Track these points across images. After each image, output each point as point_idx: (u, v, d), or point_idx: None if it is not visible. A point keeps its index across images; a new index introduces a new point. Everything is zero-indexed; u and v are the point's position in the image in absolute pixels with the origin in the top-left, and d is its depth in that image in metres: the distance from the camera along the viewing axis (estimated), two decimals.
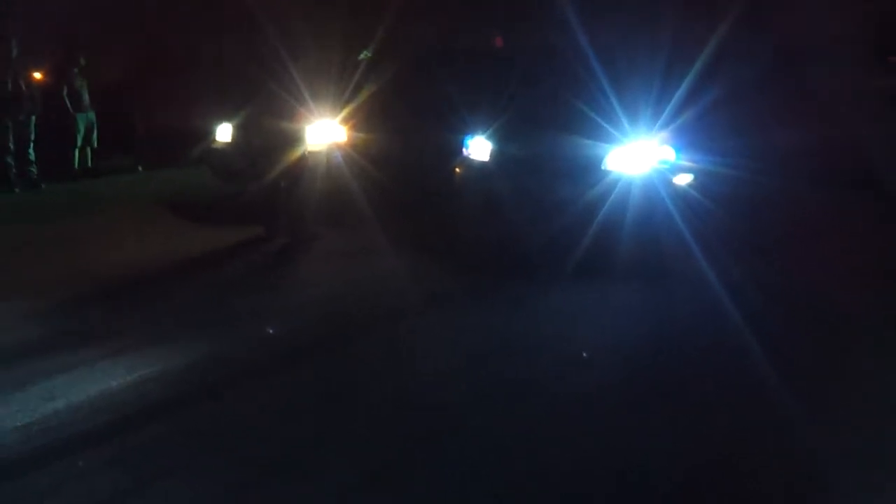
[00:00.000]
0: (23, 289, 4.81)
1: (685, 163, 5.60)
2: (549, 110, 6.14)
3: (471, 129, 6.50)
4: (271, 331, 4.24)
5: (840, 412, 3.18)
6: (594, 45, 5.86)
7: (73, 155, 9.97)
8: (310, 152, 7.28)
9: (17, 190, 9.05)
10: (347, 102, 7.37)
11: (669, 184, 5.57)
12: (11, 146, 9.01)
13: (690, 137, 5.56)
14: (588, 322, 4.45)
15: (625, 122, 5.53)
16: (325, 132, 7.34)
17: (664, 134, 5.53)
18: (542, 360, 3.79)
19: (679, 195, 5.55)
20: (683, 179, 5.68)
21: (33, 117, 9.17)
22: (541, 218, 5.51)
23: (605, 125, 5.54)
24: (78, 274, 5.20)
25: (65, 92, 9.67)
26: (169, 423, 3.07)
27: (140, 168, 10.75)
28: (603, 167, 5.61)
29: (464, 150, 6.55)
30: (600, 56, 5.78)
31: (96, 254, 5.88)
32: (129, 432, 2.98)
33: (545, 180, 5.76)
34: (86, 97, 9.92)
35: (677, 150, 5.59)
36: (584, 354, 3.85)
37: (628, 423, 3.14)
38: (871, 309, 4.46)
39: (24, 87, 8.98)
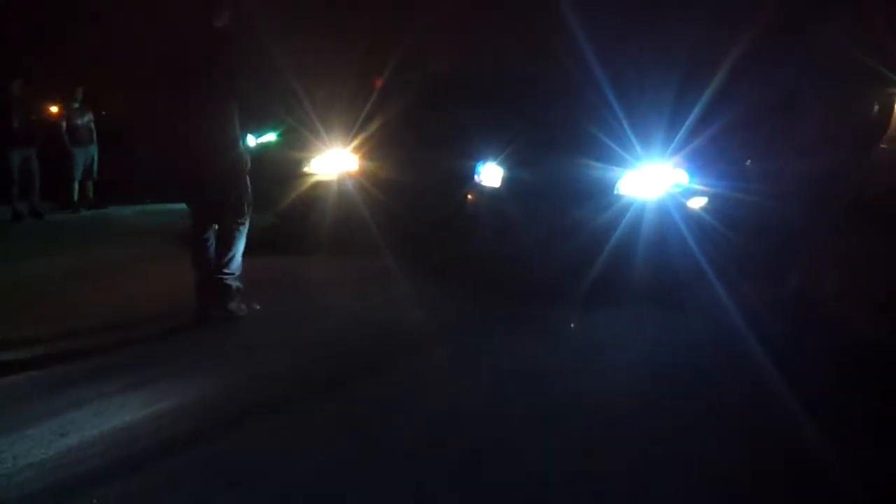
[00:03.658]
0: (32, 323, 4.79)
1: (699, 186, 5.57)
2: (561, 135, 6.13)
3: (482, 156, 6.50)
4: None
5: (861, 442, 3.11)
6: (606, 69, 5.86)
7: (73, 188, 10.28)
8: (319, 182, 7.34)
9: (24, 219, 9.41)
10: (359, 131, 7.41)
11: (683, 207, 5.53)
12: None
13: (704, 161, 5.54)
14: (604, 350, 4.38)
15: (637, 145, 5.51)
16: (336, 161, 7.39)
17: (677, 157, 5.51)
18: (560, 389, 3.73)
19: (693, 219, 5.51)
20: (697, 203, 5.65)
21: (34, 151, 9.47)
22: (554, 243, 5.49)
23: (618, 149, 5.53)
24: (85, 308, 5.19)
25: (64, 128, 9.92)
26: (183, 458, 3.01)
27: (148, 201, 10.99)
28: (616, 191, 5.59)
29: (475, 176, 6.55)
30: (613, 80, 5.78)
31: (104, 287, 5.89)
32: (143, 468, 2.92)
33: (558, 205, 5.74)
34: (85, 132, 10.13)
35: (691, 174, 5.57)
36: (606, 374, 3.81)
37: (652, 451, 3.06)
38: (892, 337, 4.39)
39: (28, 125, 9.28)
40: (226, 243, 4.76)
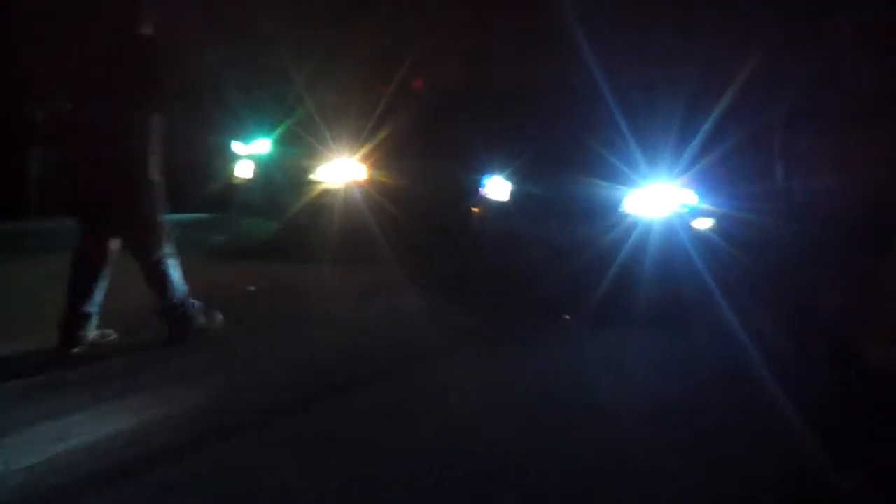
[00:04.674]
0: (27, 328, 4.59)
1: (707, 206, 5.52)
2: (567, 151, 6.10)
3: (488, 169, 6.48)
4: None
5: (875, 482, 3.04)
6: (614, 87, 5.83)
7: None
8: (326, 190, 7.34)
9: None
10: (367, 140, 7.42)
11: (690, 227, 5.49)
12: None
13: (713, 181, 5.49)
14: (607, 371, 4.33)
15: (644, 164, 5.47)
16: (343, 170, 7.40)
17: (685, 177, 5.47)
18: (561, 408, 3.70)
19: (700, 239, 5.45)
20: (704, 224, 5.59)
21: None
22: (558, 260, 5.46)
23: (624, 167, 5.49)
24: None
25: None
26: (176, 467, 2.98)
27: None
28: (621, 209, 5.56)
29: (481, 189, 6.53)
30: (620, 97, 5.74)
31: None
32: (135, 476, 2.90)
33: (563, 221, 5.72)
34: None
35: (699, 194, 5.52)
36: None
37: (652, 478, 3.02)
38: None
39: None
40: (158, 281, 4.32)
